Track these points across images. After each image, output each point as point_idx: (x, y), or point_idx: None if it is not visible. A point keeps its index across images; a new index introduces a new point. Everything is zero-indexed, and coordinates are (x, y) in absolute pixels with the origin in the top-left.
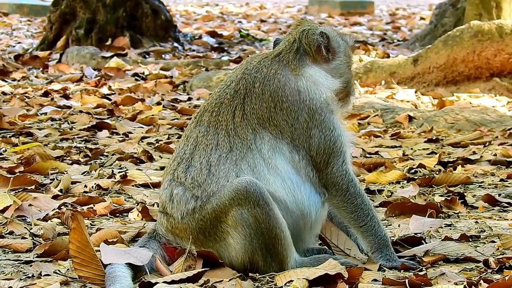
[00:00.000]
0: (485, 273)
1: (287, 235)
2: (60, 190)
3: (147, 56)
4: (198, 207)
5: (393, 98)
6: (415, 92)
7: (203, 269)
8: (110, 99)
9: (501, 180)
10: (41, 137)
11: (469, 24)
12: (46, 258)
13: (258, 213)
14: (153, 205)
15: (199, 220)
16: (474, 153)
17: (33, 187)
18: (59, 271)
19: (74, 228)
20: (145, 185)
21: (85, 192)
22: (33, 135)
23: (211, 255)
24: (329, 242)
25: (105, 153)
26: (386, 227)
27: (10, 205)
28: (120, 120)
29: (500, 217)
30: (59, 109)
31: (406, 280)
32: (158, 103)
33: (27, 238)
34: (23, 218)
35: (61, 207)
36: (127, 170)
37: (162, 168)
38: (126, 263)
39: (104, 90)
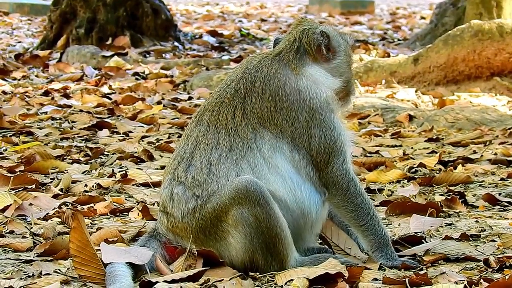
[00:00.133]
0: (485, 272)
1: (287, 234)
2: (61, 189)
3: (147, 56)
4: (198, 206)
5: (394, 97)
6: (416, 91)
7: (203, 268)
8: (110, 98)
9: (502, 179)
10: (41, 136)
11: (469, 24)
12: (47, 257)
13: (258, 212)
14: (153, 204)
15: (200, 219)
16: (475, 152)
17: (33, 186)
18: (59, 270)
19: (74, 227)
20: (146, 184)
21: (85, 191)
22: (34, 134)
23: (212, 254)
24: (329, 241)
25: (105, 152)
26: (387, 226)
27: (11, 204)
28: (121, 119)
29: (501, 216)
30: (60, 108)
31: (407, 279)
32: (159, 102)
33: (27, 237)
34: (24, 217)
35: (62, 206)
36: (127, 169)
37: (162, 167)
38: (126, 262)
39: (105, 89)
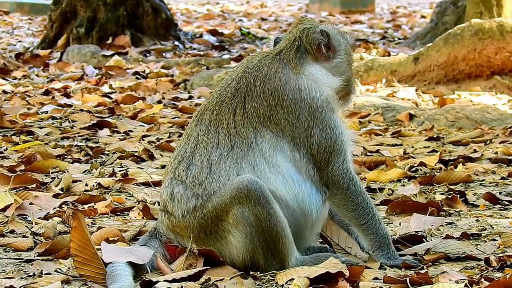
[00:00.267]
0: (486, 271)
1: (288, 234)
2: (61, 189)
3: (148, 55)
4: (199, 206)
5: (394, 96)
6: (416, 90)
7: (204, 268)
8: (111, 98)
9: (502, 178)
10: (42, 135)
11: (469, 22)
12: (47, 256)
13: (259, 211)
14: (154, 203)
15: (200, 218)
16: (475, 151)
17: (34, 185)
18: (60, 269)
19: (75, 227)
20: (146, 184)
21: (86, 190)
22: (34, 134)
23: (212, 253)
24: (330, 240)
25: (106, 152)
26: (387, 225)
27: (11, 203)
28: (121, 119)
29: (501, 215)
30: (60, 108)
31: (407, 279)
32: (159, 102)
33: (28, 236)
34: (24, 216)
35: (62, 206)
36: (128, 168)
37: (163, 166)
38: (127, 262)
39: (105, 88)
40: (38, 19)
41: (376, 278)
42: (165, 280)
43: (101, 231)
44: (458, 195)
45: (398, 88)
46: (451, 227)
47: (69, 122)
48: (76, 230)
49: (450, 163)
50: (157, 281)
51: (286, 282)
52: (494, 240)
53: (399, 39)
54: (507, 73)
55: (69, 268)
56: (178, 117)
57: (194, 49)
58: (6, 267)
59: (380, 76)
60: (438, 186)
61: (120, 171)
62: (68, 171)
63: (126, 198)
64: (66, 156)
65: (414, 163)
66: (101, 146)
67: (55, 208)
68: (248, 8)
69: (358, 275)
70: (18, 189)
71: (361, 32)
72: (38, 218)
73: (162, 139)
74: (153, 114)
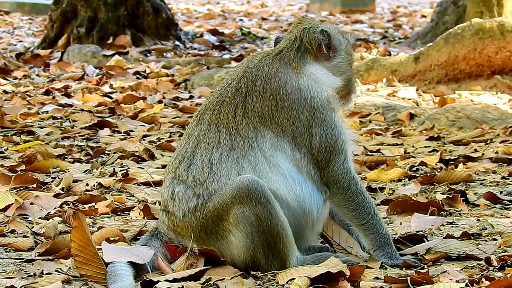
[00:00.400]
0: (486, 271)
1: (288, 233)
2: (62, 189)
3: (148, 55)
4: (199, 205)
5: (395, 96)
6: (417, 90)
7: (204, 267)
8: (111, 98)
9: (503, 177)
10: (42, 135)
11: (470, 22)
12: (48, 256)
13: (259, 211)
14: (154, 203)
15: (201, 218)
16: (476, 150)
17: (34, 185)
18: (60, 269)
19: (75, 227)
20: (147, 184)
21: (86, 190)
22: (35, 134)
23: (213, 253)
24: (330, 240)
25: (106, 152)
26: (388, 225)
27: (12, 203)
28: (122, 119)
29: (502, 215)
30: (61, 108)
31: (408, 278)
32: (160, 101)
33: (28, 236)
34: (25, 216)
35: (63, 206)
36: (128, 168)
37: (163, 166)
38: (127, 262)
39: (106, 88)
40: (39, 19)
41: (376, 278)
42: (166, 280)
43: (102, 231)
44: (459, 195)
45: (399, 87)
46: (452, 227)
47: (69, 122)
48: (77, 230)
49: (450, 162)
50: (158, 281)
51: (287, 282)
52: (495, 239)
53: (399, 38)
54: (508, 73)
55: (69, 268)
56: (178, 117)
57: (195, 48)
58: (6, 267)
59: (380, 76)
60: (438, 185)
61: (120, 171)
62: (68, 171)
63: (126, 198)
64: (66, 156)
65: (415, 163)
66: (101, 146)
67: (55, 208)
68: (248, 8)
69: (359, 275)
70: (18, 189)
71: (361, 32)
72: (39, 218)
73: (162, 139)
74: (154, 114)
